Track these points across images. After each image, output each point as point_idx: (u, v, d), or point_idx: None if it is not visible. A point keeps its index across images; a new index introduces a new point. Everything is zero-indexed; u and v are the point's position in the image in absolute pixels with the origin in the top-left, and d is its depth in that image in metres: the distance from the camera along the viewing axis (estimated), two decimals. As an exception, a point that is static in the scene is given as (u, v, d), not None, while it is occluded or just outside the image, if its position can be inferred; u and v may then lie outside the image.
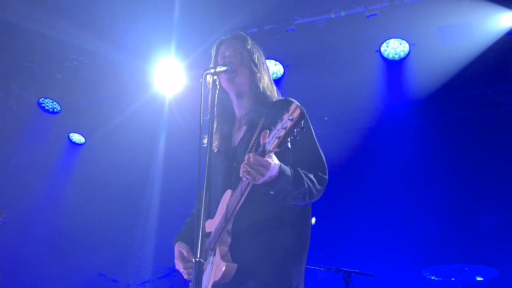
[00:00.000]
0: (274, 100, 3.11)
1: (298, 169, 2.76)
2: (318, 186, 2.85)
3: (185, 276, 3.12)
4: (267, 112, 3.01)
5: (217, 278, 2.74)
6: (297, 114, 2.28)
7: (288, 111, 2.32)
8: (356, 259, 8.09)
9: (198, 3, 6.38)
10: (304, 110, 2.31)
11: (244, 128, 3.11)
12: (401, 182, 8.50)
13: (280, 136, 2.35)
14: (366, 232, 8.70)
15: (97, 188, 9.12)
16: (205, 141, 2.88)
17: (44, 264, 8.81)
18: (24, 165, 9.20)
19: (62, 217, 9.13)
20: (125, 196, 9.41)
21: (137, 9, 6.50)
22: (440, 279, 6.94)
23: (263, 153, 2.48)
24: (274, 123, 2.39)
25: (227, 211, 2.78)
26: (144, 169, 8.87)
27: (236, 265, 2.73)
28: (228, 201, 2.82)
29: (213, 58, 3.26)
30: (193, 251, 2.91)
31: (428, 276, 6.90)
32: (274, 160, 2.56)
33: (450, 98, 7.96)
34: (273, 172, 2.56)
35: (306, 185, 2.75)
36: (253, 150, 2.64)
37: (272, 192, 2.67)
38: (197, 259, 2.45)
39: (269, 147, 2.42)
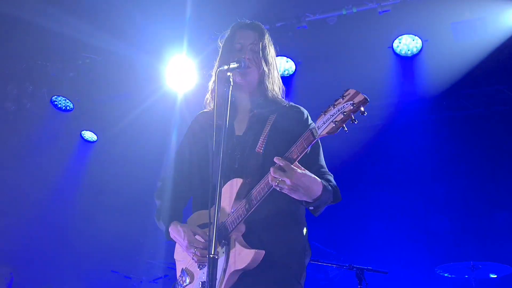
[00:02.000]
0: (283, 104, 3.15)
1: (330, 177, 2.86)
2: (338, 192, 2.95)
3: (195, 259, 2.94)
4: (276, 108, 3.07)
5: (241, 266, 2.72)
6: (360, 99, 2.37)
7: (343, 97, 2.41)
8: (369, 257, 8.07)
9: (209, 1, 6.38)
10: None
11: (248, 118, 3.12)
12: (413, 179, 8.46)
13: (337, 120, 2.40)
14: (379, 229, 8.67)
15: (109, 186, 9.16)
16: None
17: (57, 261, 8.87)
18: (37, 163, 9.26)
19: (75, 214, 9.18)
20: (137, 193, 9.44)
21: (149, 7, 6.51)
22: (453, 276, 6.91)
23: (313, 136, 2.49)
24: (325, 109, 2.45)
25: (249, 201, 2.75)
26: (156, 166, 8.89)
27: (263, 251, 2.72)
28: (251, 192, 2.76)
29: (225, 40, 3.24)
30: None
31: (441, 274, 6.87)
32: (317, 178, 2.64)
33: (463, 95, 7.90)
34: (319, 187, 2.65)
35: (339, 196, 2.90)
36: (278, 154, 2.65)
37: (311, 208, 2.75)
38: (211, 255, 2.45)
39: (322, 131, 2.46)
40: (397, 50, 6.37)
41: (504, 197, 8.09)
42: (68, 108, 7.94)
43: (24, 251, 8.74)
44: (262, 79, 3.12)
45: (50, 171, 9.23)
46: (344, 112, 2.37)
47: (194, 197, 3.21)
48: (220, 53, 3.26)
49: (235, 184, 2.86)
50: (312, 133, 2.50)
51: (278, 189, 2.59)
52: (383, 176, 8.58)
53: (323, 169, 2.99)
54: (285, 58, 6.69)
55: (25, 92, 7.90)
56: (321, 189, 2.67)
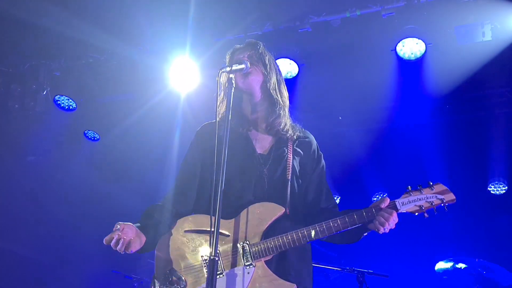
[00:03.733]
0: (293, 126, 3.28)
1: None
2: None
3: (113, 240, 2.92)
4: (294, 134, 3.20)
5: None
6: (450, 198, 2.94)
7: (431, 187, 2.95)
8: (370, 260, 8.06)
9: (213, 2, 6.38)
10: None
11: (267, 137, 3.18)
12: (415, 181, 8.45)
13: (423, 206, 2.93)
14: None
15: (111, 185, 9.17)
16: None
17: (58, 260, 8.88)
18: (40, 162, 9.28)
19: (77, 214, 9.19)
20: (139, 193, 9.45)
21: (152, 8, 6.52)
22: (453, 279, 6.89)
23: (396, 209, 2.96)
24: (413, 189, 3.01)
25: (299, 237, 2.88)
26: (159, 166, 8.91)
27: (295, 285, 2.85)
28: (305, 228, 2.90)
29: (227, 63, 3.30)
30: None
31: (443, 277, 6.85)
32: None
33: (466, 98, 7.89)
34: None
35: None
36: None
37: (366, 234, 3.12)
38: (212, 257, 2.45)
39: (405, 208, 2.94)
40: (401, 54, 6.34)
41: (505, 200, 8.10)
42: (71, 107, 7.94)
43: (25, 250, 8.75)
44: (262, 83, 3.16)
45: (53, 170, 9.25)
46: (433, 203, 2.93)
47: (198, 201, 3.18)
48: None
49: (271, 208, 2.91)
50: (395, 206, 2.95)
51: (381, 231, 2.95)
52: (385, 178, 8.58)
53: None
54: (288, 60, 6.67)
55: (28, 91, 7.91)
56: None
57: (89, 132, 8.98)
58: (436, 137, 8.07)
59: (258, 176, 3.02)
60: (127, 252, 2.91)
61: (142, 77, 7.47)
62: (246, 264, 2.82)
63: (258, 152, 3.11)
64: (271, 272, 2.82)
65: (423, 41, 6.20)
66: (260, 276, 2.79)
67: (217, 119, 2.98)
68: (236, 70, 2.95)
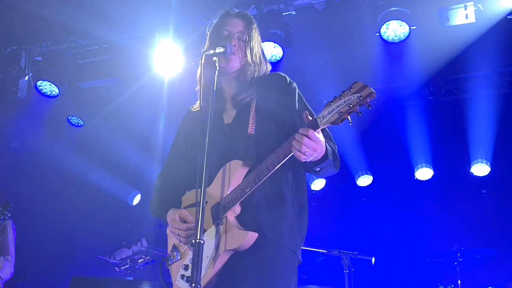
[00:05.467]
0: (262, 76, 3.18)
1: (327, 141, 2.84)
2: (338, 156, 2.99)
3: (178, 239, 2.99)
4: (257, 92, 3.12)
5: (233, 246, 2.77)
6: (367, 92, 2.40)
7: (350, 88, 2.45)
8: (356, 243, 8.14)
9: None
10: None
11: (234, 106, 3.16)
12: (400, 164, 8.53)
13: (342, 111, 2.47)
14: (365, 215, 8.75)
15: (96, 171, 9.13)
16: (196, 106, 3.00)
17: (40, 246, 8.82)
18: (23, 149, 9.20)
19: (61, 200, 9.15)
20: (125, 179, 9.42)
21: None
22: (438, 261, 6.98)
23: (316, 126, 2.58)
24: (332, 99, 2.51)
25: (247, 183, 2.79)
26: (143, 151, 8.88)
27: (257, 234, 2.78)
28: (250, 174, 2.81)
29: (212, 27, 3.27)
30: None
31: (427, 259, 6.94)
32: (321, 136, 2.67)
33: (450, 80, 7.94)
34: (323, 148, 2.70)
35: (338, 157, 2.93)
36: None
37: (318, 169, 2.80)
38: (197, 240, 2.48)
39: (326, 120, 2.53)
40: (385, 36, 6.34)
41: (488, 182, 8.19)
42: (53, 93, 7.83)
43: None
44: (245, 67, 3.14)
45: (36, 157, 9.18)
46: (350, 104, 2.44)
47: (189, 182, 3.22)
48: (207, 39, 3.29)
49: (233, 165, 2.91)
50: (316, 122, 2.58)
51: (302, 158, 2.62)
52: (370, 161, 8.64)
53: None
54: (272, 43, 6.64)
55: (9, 76, 7.79)
56: (325, 146, 2.74)
57: (73, 118, 8.91)
58: (419, 119, 8.13)
59: (224, 145, 3.04)
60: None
61: (125, 62, 7.40)
62: (214, 223, 2.86)
63: (226, 123, 3.14)
64: (236, 224, 2.82)
65: (407, 24, 6.20)
66: (226, 231, 2.81)
67: (200, 102, 2.97)
68: (218, 53, 2.94)
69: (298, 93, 3.15)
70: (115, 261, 7.95)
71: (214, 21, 3.29)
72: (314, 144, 2.60)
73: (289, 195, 2.98)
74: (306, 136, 2.58)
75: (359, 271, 6.11)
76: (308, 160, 2.69)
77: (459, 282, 6.57)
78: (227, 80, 3.20)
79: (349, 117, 2.47)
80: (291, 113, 3.05)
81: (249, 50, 3.15)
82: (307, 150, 2.60)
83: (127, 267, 7.92)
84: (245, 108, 3.10)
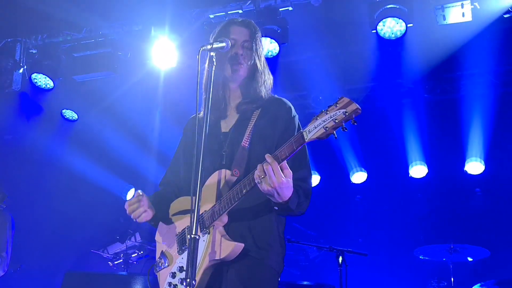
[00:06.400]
0: (268, 97, 3.20)
1: (298, 187, 2.84)
2: (306, 203, 2.99)
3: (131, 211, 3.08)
4: (261, 104, 3.14)
5: (219, 256, 2.77)
6: (352, 109, 2.39)
7: (336, 104, 2.45)
8: (349, 239, 8.16)
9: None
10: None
11: (234, 115, 3.18)
12: (393, 161, 8.54)
13: (327, 127, 2.45)
14: (359, 211, 8.75)
15: (90, 165, 9.09)
16: (201, 114, 2.97)
17: (34, 240, 8.79)
18: (17, 142, 9.15)
19: (54, 194, 9.11)
20: (119, 173, 9.39)
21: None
22: (431, 259, 7.00)
23: (303, 140, 2.55)
24: (318, 114, 2.50)
25: (233, 194, 2.79)
26: (139, 146, 8.85)
27: (243, 244, 2.80)
28: (237, 184, 2.81)
29: (216, 34, 3.23)
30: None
31: (420, 257, 6.95)
32: (290, 182, 2.67)
33: (445, 78, 7.94)
34: (290, 194, 2.70)
35: (304, 206, 2.95)
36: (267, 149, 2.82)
37: (276, 208, 2.81)
38: (192, 236, 2.48)
39: (312, 135, 2.51)
40: (381, 33, 6.33)
41: (481, 180, 8.21)
42: (48, 86, 7.78)
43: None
44: (253, 75, 3.16)
45: (30, 150, 9.13)
46: (336, 120, 2.43)
47: (181, 188, 3.27)
48: None
49: (223, 175, 2.92)
50: (302, 136, 2.55)
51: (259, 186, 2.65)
52: (363, 158, 8.65)
53: (302, 177, 3.01)
54: (269, 39, 6.62)
55: (4, 69, 7.74)
56: (290, 196, 2.72)
57: (67, 111, 8.86)
58: (413, 116, 8.14)
59: (218, 152, 3.06)
60: (138, 221, 3.10)
61: (121, 55, 7.37)
62: (202, 232, 2.86)
63: (222, 131, 3.16)
64: (223, 234, 2.83)
65: (404, 21, 6.19)
66: (213, 241, 2.82)
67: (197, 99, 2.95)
68: (217, 48, 2.91)
69: (298, 124, 3.15)
70: (108, 255, 7.93)
71: (217, 30, 3.27)
72: (276, 183, 2.59)
73: (264, 208, 2.97)
74: (269, 165, 2.58)
75: (353, 267, 6.12)
76: (266, 193, 2.68)
77: (452, 279, 6.59)
78: (234, 88, 3.22)
79: (334, 132, 2.46)
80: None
81: (257, 58, 3.17)
82: (262, 177, 2.60)
83: (120, 262, 7.90)
84: (245, 120, 3.12)
